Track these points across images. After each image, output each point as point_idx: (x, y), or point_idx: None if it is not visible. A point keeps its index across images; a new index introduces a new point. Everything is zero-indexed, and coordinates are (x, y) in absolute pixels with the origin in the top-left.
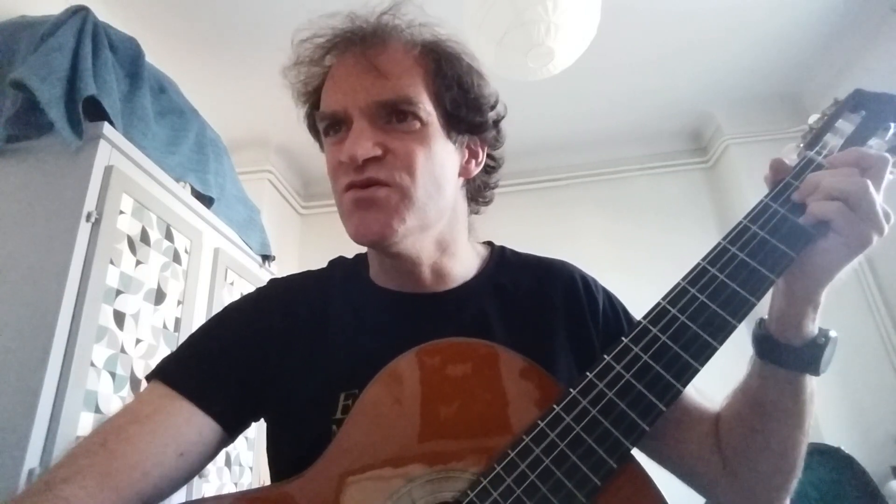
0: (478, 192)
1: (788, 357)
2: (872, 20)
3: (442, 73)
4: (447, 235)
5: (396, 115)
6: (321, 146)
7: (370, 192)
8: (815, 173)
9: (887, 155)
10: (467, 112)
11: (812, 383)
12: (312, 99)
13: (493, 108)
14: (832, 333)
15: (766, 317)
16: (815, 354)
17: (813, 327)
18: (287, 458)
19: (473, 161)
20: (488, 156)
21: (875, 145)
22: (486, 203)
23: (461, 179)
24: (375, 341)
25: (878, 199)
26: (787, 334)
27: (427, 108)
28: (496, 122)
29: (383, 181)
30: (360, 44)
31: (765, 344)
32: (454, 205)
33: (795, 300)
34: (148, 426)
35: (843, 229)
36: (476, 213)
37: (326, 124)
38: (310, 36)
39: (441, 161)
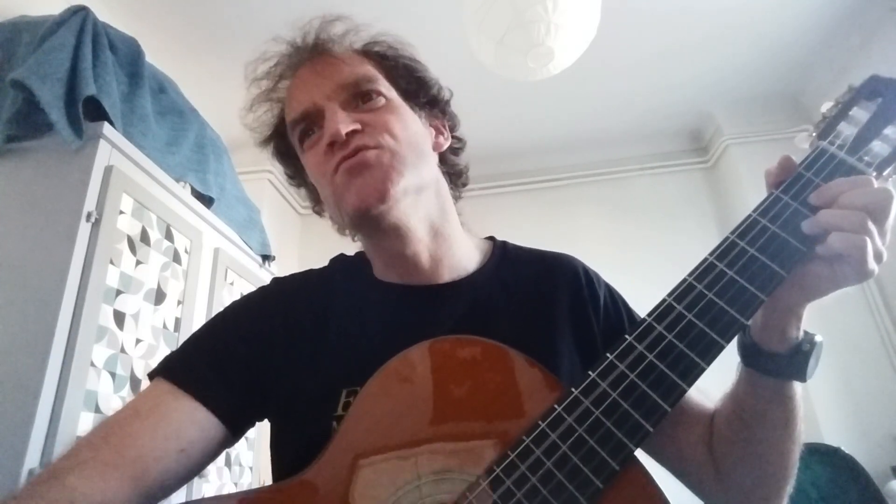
0: (454, 174)
1: (774, 365)
2: (872, 20)
3: (386, 60)
4: (435, 214)
5: (361, 96)
6: (295, 176)
7: (360, 156)
8: (839, 184)
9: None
10: (419, 89)
11: (800, 390)
12: (278, 130)
13: (440, 90)
14: (817, 338)
15: (750, 324)
16: (800, 361)
17: (797, 334)
18: (288, 456)
19: (441, 136)
20: (453, 137)
21: (892, 134)
22: (464, 185)
23: (436, 155)
24: (377, 337)
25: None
26: (771, 343)
27: (386, 85)
28: (447, 102)
29: (371, 146)
30: (307, 59)
31: (750, 352)
32: (437, 180)
33: (778, 311)
34: (149, 421)
35: (860, 264)
36: (458, 198)
37: (300, 130)
38: (259, 75)
39: (415, 129)
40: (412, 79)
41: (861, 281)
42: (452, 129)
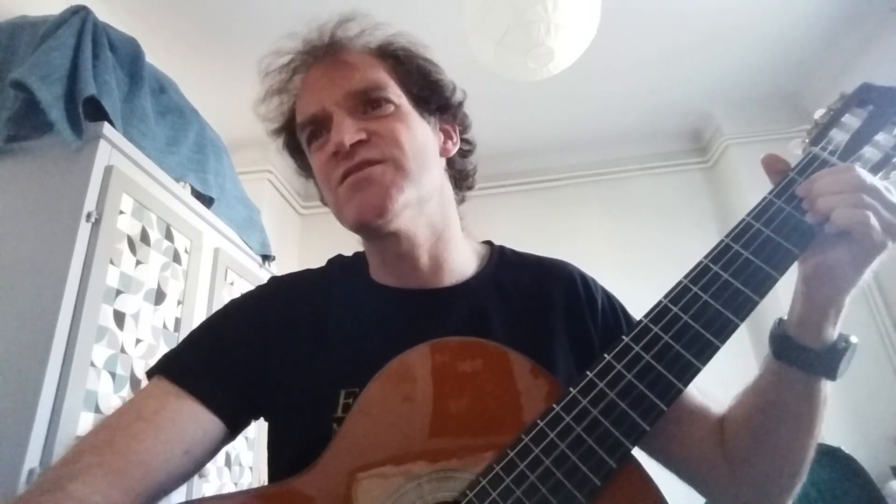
0: (460, 177)
1: (807, 360)
2: (872, 20)
3: (401, 63)
4: (438, 219)
5: (370, 103)
6: (304, 170)
7: (366, 171)
8: (823, 173)
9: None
10: (432, 94)
11: (827, 388)
12: (288, 126)
13: (453, 92)
14: (853, 339)
15: (785, 317)
16: (833, 359)
17: (833, 332)
18: (286, 456)
19: (450, 141)
20: (462, 139)
21: (882, 140)
22: (470, 188)
23: (443, 160)
24: (375, 339)
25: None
26: (806, 338)
27: (396, 91)
28: (460, 105)
29: (376, 159)
30: (321, 57)
31: (783, 344)
32: (442, 186)
33: (816, 306)
34: (153, 424)
35: (867, 237)
36: (463, 200)
37: (309, 132)
38: (273, 68)
39: (422, 136)
40: (425, 83)
41: (878, 252)
42: (463, 132)
